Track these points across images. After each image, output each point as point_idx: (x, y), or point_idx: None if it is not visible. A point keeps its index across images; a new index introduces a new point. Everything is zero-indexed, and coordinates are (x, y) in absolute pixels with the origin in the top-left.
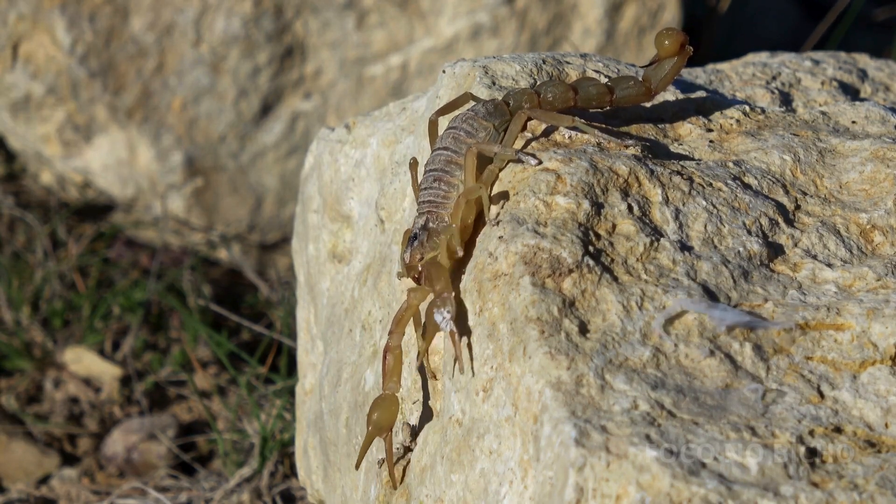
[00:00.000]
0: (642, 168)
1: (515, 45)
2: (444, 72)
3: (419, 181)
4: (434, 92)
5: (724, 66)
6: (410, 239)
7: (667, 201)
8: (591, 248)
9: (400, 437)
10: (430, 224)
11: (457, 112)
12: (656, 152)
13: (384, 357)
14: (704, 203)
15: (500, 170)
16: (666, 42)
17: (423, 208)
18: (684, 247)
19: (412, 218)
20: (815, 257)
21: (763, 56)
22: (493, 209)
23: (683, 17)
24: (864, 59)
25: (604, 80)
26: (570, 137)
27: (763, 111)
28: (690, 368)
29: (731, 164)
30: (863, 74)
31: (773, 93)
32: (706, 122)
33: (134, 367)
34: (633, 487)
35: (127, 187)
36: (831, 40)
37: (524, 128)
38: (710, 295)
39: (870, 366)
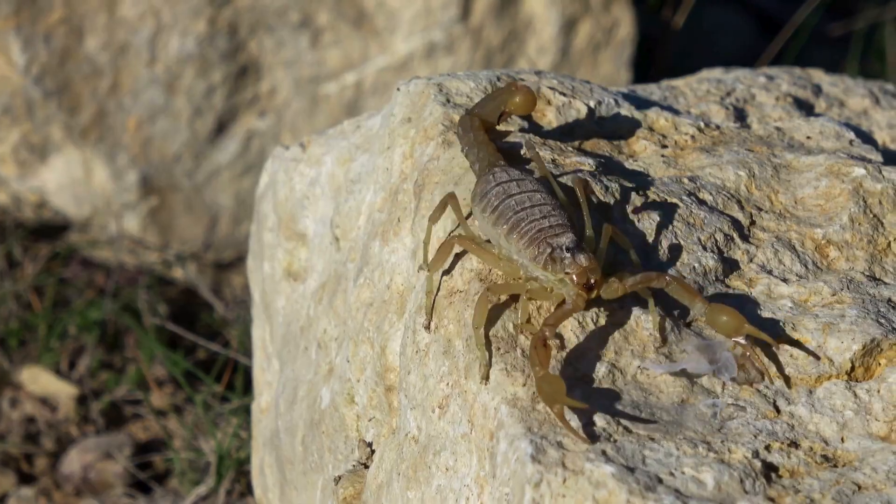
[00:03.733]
0: (597, 184)
1: (470, 63)
2: (398, 89)
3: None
4: (389, 109)
5: (678, 83)
6: (573, 248)
7: (622, 217)
8: None
9: (356, 454)
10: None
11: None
12: (611, 168)
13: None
14: (659, 219)
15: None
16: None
17: (563, 229)
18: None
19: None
20: (770, 273)
21: (718, 72)
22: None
23: (638, 34)
24: (818, 75)
25: None
26: (524, 154)
27: (718, 127)
28: (646, 384)
29: (686, 181)
30: (817, 90)
31: (727, 109)
32: (661, 138)
33: (90, 387)
34: (589, 503)
35: (82, 207)
36: (786, 56)
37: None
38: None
39: (826, 381)
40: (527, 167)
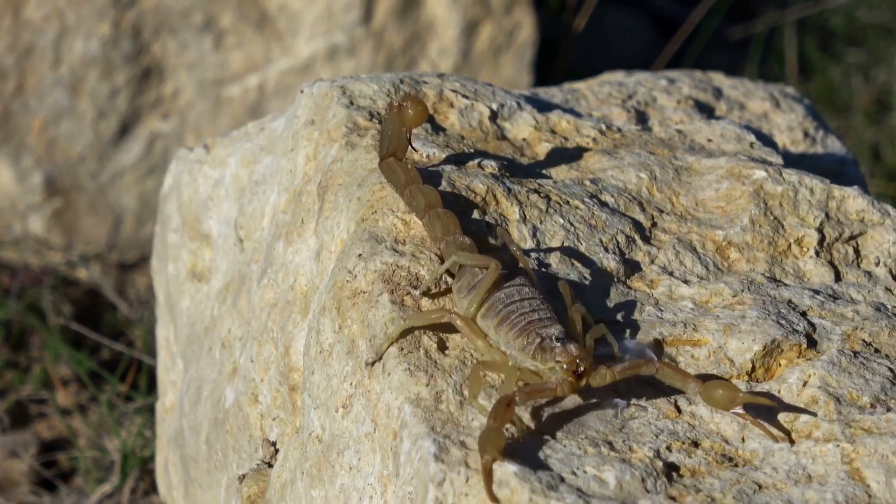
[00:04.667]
0: (500, 186)
1: (372, 65)
2: (302, 92)
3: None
4: (292, 112)
5: (580, 86)
6: (563, 338)
7: (524, 219)
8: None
9: (260, 452)
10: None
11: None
12: (514, 171)
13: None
14: (562, 221)
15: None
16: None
17: (549, 321)
18: (542, 264)
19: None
20: (671, 274)
21: (619, 75)
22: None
23: (539, 36)
24: (719, 78)
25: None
26: (428, 156)
27: (619, 130)
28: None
29: (587, 183)
30: (718, 93)
31: (629, 111)
32: (563, 140)
33: None
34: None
35: None
36: (686, 58)
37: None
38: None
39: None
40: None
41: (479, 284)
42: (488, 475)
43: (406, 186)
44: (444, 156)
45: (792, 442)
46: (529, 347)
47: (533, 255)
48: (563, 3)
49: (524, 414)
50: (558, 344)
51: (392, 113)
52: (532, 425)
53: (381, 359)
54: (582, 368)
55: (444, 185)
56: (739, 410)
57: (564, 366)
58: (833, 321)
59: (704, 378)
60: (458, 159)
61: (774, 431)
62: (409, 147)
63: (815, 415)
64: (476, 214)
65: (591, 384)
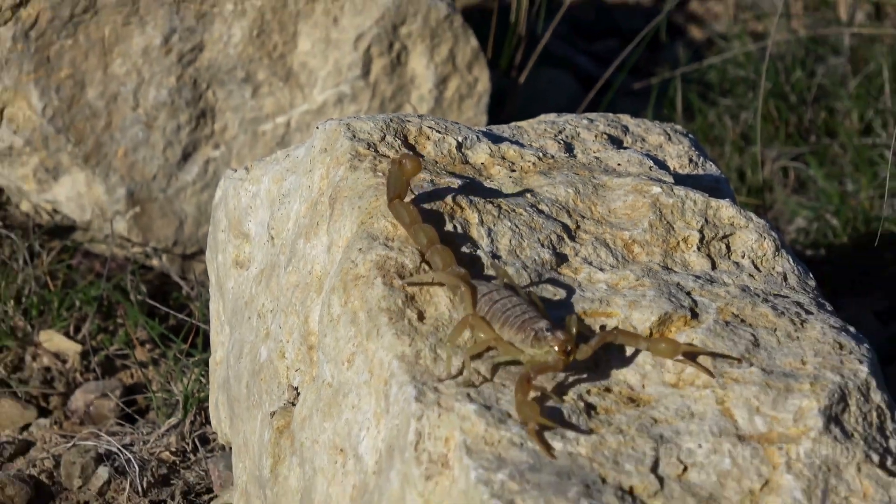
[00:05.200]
0: (464, 198)
1: (369, 109)
2: (317, 128)
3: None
4: (310, 143)
5: (523, 124)
6: (551, 328)
7: (482, 223)
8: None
9: (286, 395)
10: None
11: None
12: (475, 187)
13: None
14: (510, 224)
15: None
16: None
17: (537, 318)
18: (495, 256)
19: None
20: (591, 263)
21: (552, 116)
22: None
23: (492, 88)
24: (626, 118)
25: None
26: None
27: (552, 156)
28: None
29: (529, 196)
30: (625, 129)
31: (559, 143)
32: (510, 164)
33: (91, 345)
34: (457, 432)
35: (84, 213)
36: (601, 105)
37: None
38: (515, 291)
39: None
40: (488, 275)
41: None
42: (541, 439)
43: (411, 225)
44: (423, 175)
45: (713, 376)
46: (527, 339)
47: (488, 249)
48: (510, 63)
49: (481, 367)
50: (549, 333)
51: (395, 166)
52: (489, 376)
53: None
54: (569, 348)
55: (424, 197)
56: (679, 358)
57: (556, 349)
58: (710, 299)
59: (651, 337)
60: (433, 178)
61: (704, 370)
62: (409, 191)
63: (739, 360)
64: (446, 219)
65: (577, 358)
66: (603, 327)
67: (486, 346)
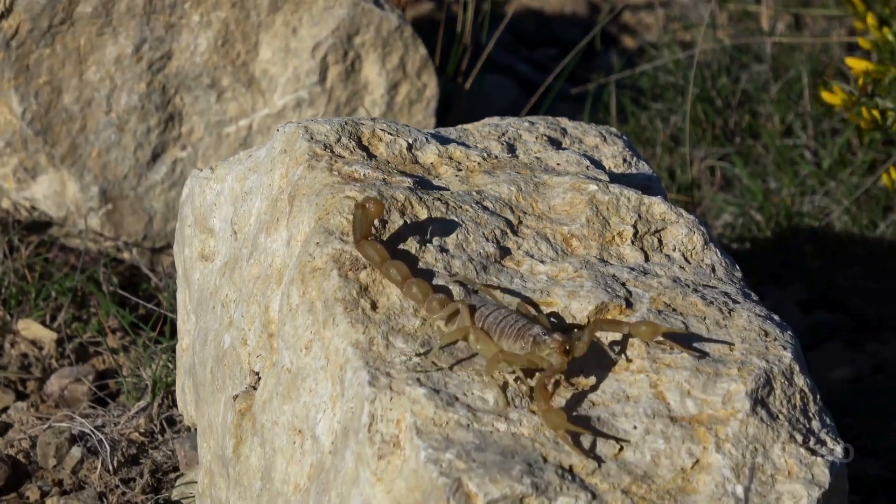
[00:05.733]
0: (414, 195)
1: (326, 112)
2: (277, 131)
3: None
4: (271, 144)
5: (468, 126)
6: (546, 332)
7: (431, 219)
8: None
9: (248, 380)
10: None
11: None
12: (424, 185)
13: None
14: (457, 219)
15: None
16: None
17: (530, 324)
18: (443, 249)
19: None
20: (532, 256)
21: (496, 119)
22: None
23: (440, 93)
24: (564, 121)
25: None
26: (364, 175)
27: (496, 157)
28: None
29: (474, 193)
30: (564, 132)
31: (503, 144)
32: (457, 164)
33: (65, 333)
34: (408, 414)
35: (60, 210)
36: (541, 109)
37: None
38: (461, 283)
39: (570, 330)
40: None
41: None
42: (573, 443)
43: (381, 263)
44: (376, 175)
45: (694, 354)
46: (527, 346)
47: (436, 243)
48: (456, 70)
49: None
50: (546, 336)
51: (359, 210)
52: (437, 362)
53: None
54: (568, 347)
55: (375, 194)
56: (660, 339)
57: (556, 349)
58: (643, 289)
59: (633, 322)
60: (384, 177)
61: (687, 349)
62: (374, 231)
63: (731, 344)
64: (397, 215)
65: (576, 355)
66: (580, 327)
67: (490, 355)
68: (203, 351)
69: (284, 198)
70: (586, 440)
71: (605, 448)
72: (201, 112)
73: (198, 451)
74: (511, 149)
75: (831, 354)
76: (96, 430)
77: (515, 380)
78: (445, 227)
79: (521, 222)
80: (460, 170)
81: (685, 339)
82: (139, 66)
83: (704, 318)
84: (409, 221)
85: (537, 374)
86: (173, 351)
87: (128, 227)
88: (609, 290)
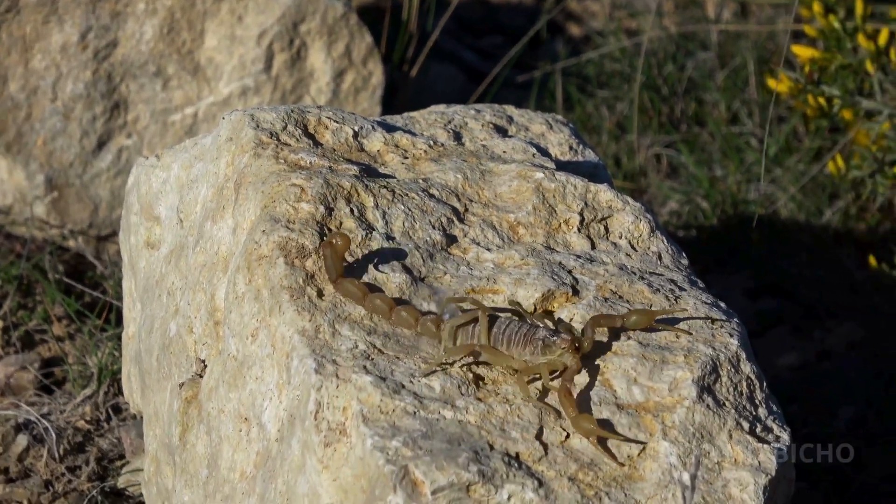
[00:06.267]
0: (360, 183)
1: (271, 100)
2: (223, 119)
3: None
4: (217, 132)
5: (415, 114)
6: (553, 333)
7: (377, 206)
8: (325, 238)
9: (194, 367)
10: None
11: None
12: (370, 173)
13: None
14: (403, 207)
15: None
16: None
17: (534, 329)
18: (389, 237)
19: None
20: (479, 244)
21: (442, 107)
22: None
23: (386, 81)
24: (510, 109)
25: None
26: (310, 163)
27: (442, 145)
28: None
29: (421, 181)
30: (510, 119)
31: (449, 132)
32: (403, 151)
33: (11, 321)
34: (354, 401)
35: (6, 198)
36: (487, 97)
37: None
38: (407, 270)
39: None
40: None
41: (478, 326)
42: (604, 447)
43: (363, 299)
44: (322, 162)
45: (690, 334)
46: (536, 350)
47: (382, 230)
48: (402, 58)
49: (377, 341)
50: (554, 338)
51: (327, 248)
52: (383, 350)
53: (433, 371)
54: (578, 345)
55: (322, 182)
56: (653, 325)
57: (567, 350)
58: (590, 276)
59: (626, 313)
60: (331, 165)
61: (678, 329)
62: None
63: (713, 320)
64: (343, 203)
65: (585, 351)
66: (550, 312)
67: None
68: (149, 339)
69: (230, 186)
70: (531, 426)
71: (551, 435)
72: (147, 100)
73: (144, 439)
74: (457, 136)
75: (777, 341)
76: (42, 418)
77: (462, 367)
78: (396, 254)
79: (467, 210)
80: (406, 157)
81: (674, 321)
82: (85, 55)
83: (651, 306)
84: (354, 210)
85: (557, 381)
86: (119, 339)
87: (73, 214)
88: (555, 277)
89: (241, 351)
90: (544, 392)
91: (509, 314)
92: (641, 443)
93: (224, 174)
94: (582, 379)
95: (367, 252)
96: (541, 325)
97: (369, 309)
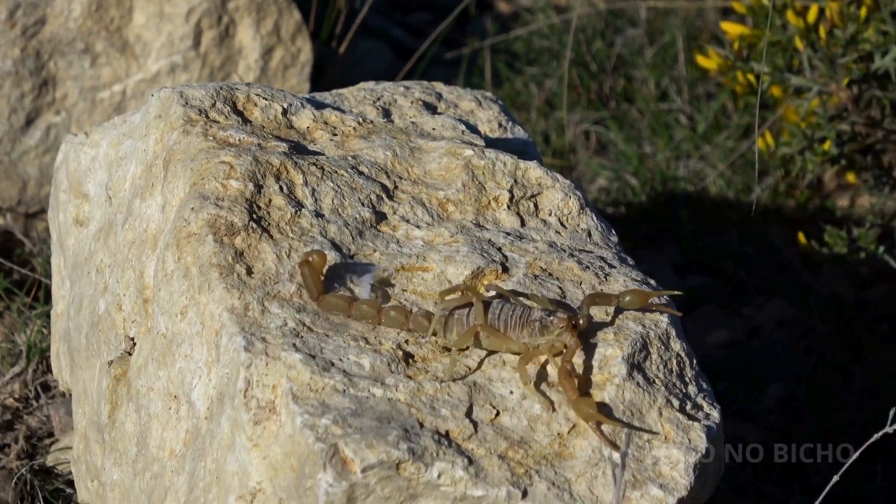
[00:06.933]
0: (289, 160)
1: (200, 78)
2: (152, 96)
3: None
4: (146, 109)
5: (344, 91)
6: (549, 314)
7: (306, 183)
8: (254, 216)
9: (123, 345)
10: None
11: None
12: (299, 150)
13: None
14: (332, 184)
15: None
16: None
17: (530, 310)
18: (318, 214)
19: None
20: (408, 221)
21: (371, 84)
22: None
23: (314, 58)
24: (439, 86)
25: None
26: (239, 140)
27: (371, 122)
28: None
29: (350, 158)
30: (439, 96)
31: (378, 109)
32: (333, 129)
33: None
34: (284, 379)
35: None
36: (416, 73)
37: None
38: (337, 248)
39: (446, 295)
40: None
41: (472, 313)
42: (601, 433)
43: (349, 309)
44: (251, 140)
45: (681, 314)
46: (534, 332)
47: (312, 208)
48: (331, 35)
49: (306, 318)
50: (551, 318)
51: (305, 267)
52: (313, 327)
53: (454, 379)
54: (575, 323)
55: (251, 159)
56: (650, 304)
57: (565, 329)
58: (520, 254)
59: (621, 293)
60: (260, 142)
61: (670, 311)
62: (323, 280)
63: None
64: (272, 180)
65: (582, 329)
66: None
67: (504, 349)
68: (78, 316)
69: (159, 163)
70: (461, 403)
71: (481, 413)
72: (75, 77)
73: (73, 417)
74: (386, 113)
75: (707, 318)
76: None
77: (396, 347)
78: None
79: (396, 187)
80: (336, 135)
81: (667, 304)
82: (13, 32)
83: (581, 283)
84: (283, 187)
85: (557, 359)
86: (48, 316)
87: (1, 192)
88: (485, 254)
89: (170, 329)
90: (540, 379)
91: (500, 299)
92: (647, 431)
93: (153, 151)
94: (511, 357)
95: (297, 229)
96: (536, 307)
97: (357, 318)
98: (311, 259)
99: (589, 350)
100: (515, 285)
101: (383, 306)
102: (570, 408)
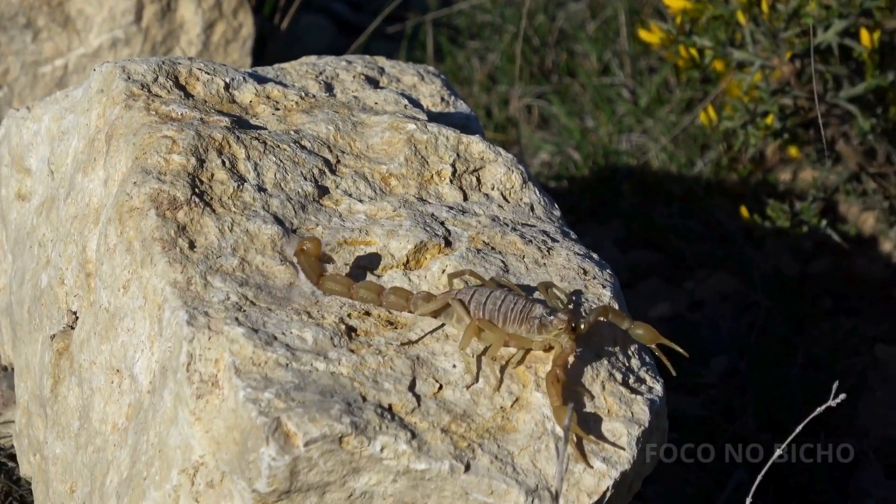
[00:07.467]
0: (232, 135)
1: (142, 52)
2: (94, 70)
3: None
4: (88, 84)
5: (286, 66)
6: (550, 312)
7: (248, 157)
8: (197, 190)
9: (65, 319)
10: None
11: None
12: (242, 124)
13: (555, 380)
14: (275, 159)
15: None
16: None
17: (531, 305)
18: (261, 189)
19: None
20: (351, 195)
21: (313, 58)
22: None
23: (256, 32)
24: (382, 60)
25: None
26: (181, 114)
27: (314, 96)
28: (266, 272)
29: (292, 132)
30: (381, 71)
31: (320, 83)
32: (275, 103)
33: None
34: (226, 353)
35: None
36: (358, 48)
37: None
38: (279, 222)
39: (389, 269)
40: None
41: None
42: (579, 449)
43: (349, 290)
44: (193, 114)
45: (674, 375)
46: (532, 329)
47: (254, 182)
48: (273, 9)
49: (249, 292)
50: (552, 317)
51: (301, 256)
52: (255, 301)
53: (476, 379)
54: (574, 325)
55: (193, 134)
56: (654, 348)
57: (563, 330)
58: (462, 228)
59: (635, 323)
60: (202, 116)
61: (679, 351)
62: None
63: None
64: (215, 155)
65: (581, 333)
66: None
67: (501, 343)
68: (20, 290)
69: (102, 137)
70: (403, 377)
71: (424, 387)
72: (17, 52)
73: (15, 391)
74: (329, 88)
75: (649, 292)
76: None
77: (339, 321)
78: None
79: (339, 161)
80: (278, 109)
81: (673, 353)
82: None
83: (524, 257)
84: (226, 161)
85: (550, 358)
86: None
87: None
88: (428, 229)
89: (112, 303)
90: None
91: (506, 289)
92: (619, 447)
93: (95, 126)
94: (455, 331)
95: (239, 203)
96: (538, 302)
97: (358, 299)
98: (305, 247)
99: None
100: (459, 259)
101: (383, 290)
102: (552, 412)
